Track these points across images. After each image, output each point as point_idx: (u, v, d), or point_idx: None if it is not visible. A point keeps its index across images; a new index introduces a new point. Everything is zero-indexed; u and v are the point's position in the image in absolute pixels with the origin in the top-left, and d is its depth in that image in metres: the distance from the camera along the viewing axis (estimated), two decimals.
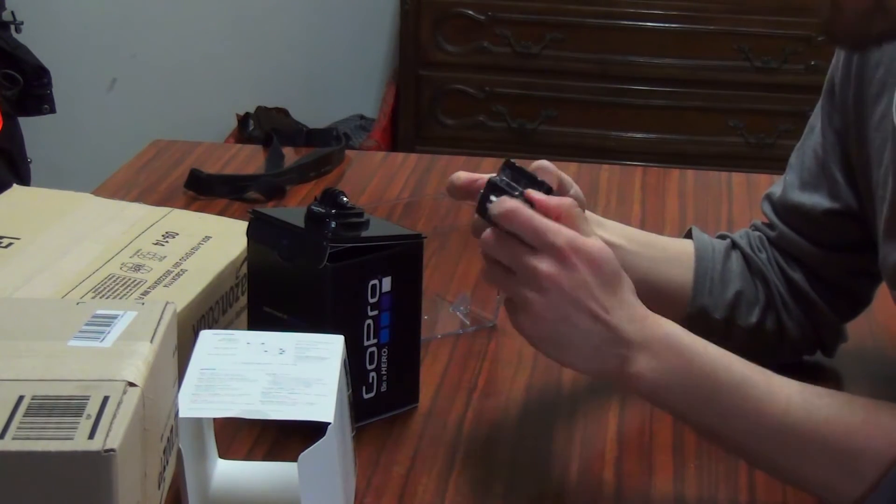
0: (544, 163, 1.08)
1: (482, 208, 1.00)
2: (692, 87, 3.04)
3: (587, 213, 1.15)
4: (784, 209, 1.24)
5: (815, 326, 1.24)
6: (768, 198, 1.26)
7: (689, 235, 1.27)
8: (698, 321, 1.20)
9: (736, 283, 1.22)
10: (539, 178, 1.02)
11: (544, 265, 0.96)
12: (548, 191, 1.01)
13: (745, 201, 1.68)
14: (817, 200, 1.20)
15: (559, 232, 0.97)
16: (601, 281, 0.97)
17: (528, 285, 0.96)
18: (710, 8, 2.99)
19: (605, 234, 1.15)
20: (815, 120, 1.23)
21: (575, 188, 1.13)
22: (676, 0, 2.99)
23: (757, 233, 1.27)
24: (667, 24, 3.01)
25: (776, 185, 1.26)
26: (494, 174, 1.02)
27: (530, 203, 0.99)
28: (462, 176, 1.08)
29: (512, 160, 1.03)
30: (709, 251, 1.23)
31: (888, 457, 0.93)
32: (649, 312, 0.99)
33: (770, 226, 1.25)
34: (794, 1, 2.96)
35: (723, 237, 1.27)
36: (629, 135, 3.09)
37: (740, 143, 3.05)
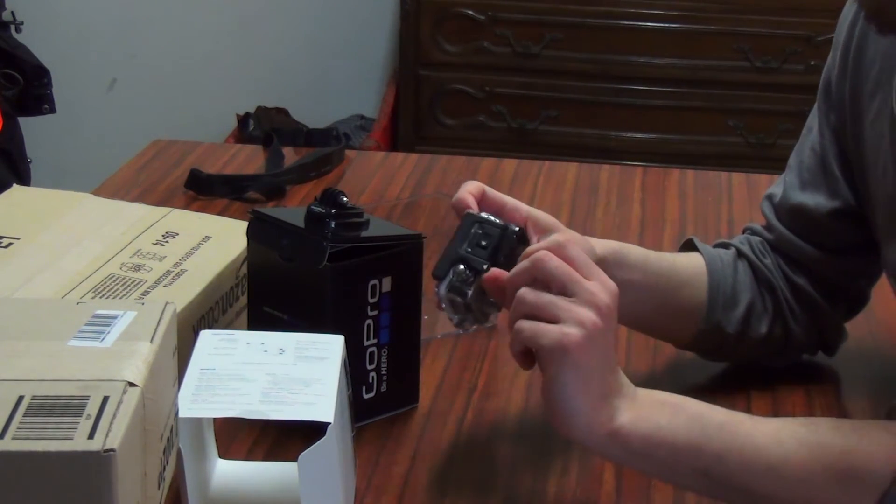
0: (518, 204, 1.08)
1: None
2: (692, 87, 3.04)
3: (608, 251, 1.12)
4: (785, 211, 1.23)
5: (819, 329, 1.24)
6: (769, 199, 1.26)
7: (686, 244, 1.26)
8: (711, 336, 1.20)
9: (746, 295, 1.21)
10: (504, 223, 1.02)
11: (597, 298, 0.95)
12: (522, 234, 1.01)
13: (745, 201, 1.68)
14: (819, 201, 1.20)
15: (591, 283, 0.96)
16: (611, 333, 0.97)
17: (582, 302, 0.94)
18: (710, 8, 2.99)
19: (626, 273, 1.13)
20: (812, 120, 1.23)
21: (562, 231, 1.09)
22: (676, 0, 2.99)
23: (757, 238, 1.26)
24: (667, 24, 3.01)
25: (775, 185, 1.26)
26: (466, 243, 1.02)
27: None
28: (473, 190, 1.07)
29: (471, 213, 1.03)
30: (718, 265, 1.22)
31: (889, 472, 0.93)
32: None
33: (768, 228, 1.25)
34: (794, 1, 2.96)
35: (724, 245, 1.26)
36: (629, 135, 3.09)
37: (740, 143, 3.05)
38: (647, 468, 0.99)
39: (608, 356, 0.96)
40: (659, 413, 0.96)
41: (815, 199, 1.20)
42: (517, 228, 1.03)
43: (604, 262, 1.10)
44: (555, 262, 0.95)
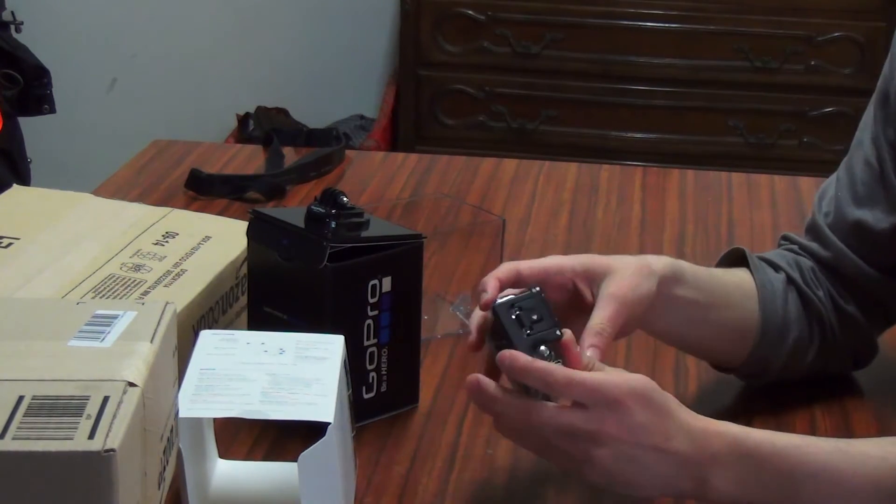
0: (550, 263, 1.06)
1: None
2: (692, 87, 3.04)
3: (666, 270, 1.10)
4: (842, 228, 1.20)
5: (857, 354, 1.22)
6: (823, 216, 1.21)
7: (731, 256, 1.22)
8: (756, 366, 1.18)
9: (794, 329, 1.18)
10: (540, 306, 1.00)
11: (605, 424, 0.94)
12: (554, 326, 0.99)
13: (745, 201, 1.68)
14: (879, 216, 1.17)
15: (611, 383, 0.95)
16: (654, 413, 0.95)
17: (588, 443, 0.95)
18: (710, 8, 2.99)
19: (685, 291, 1.11)
20: (863, 133, 1.21)
21: (614, 273, 1.07)
22: (676, 0, 2.99)
23: (807, 261, 1.21)
24: (667, 24, 3.01)
25: (823, 201, 1.22)
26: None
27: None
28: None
29: (497, 303, 1.00)
30: (770, 295, 1.17)
31: None
32: (704, 421, 0.98)
33: (824, 245, 1.21)
34: (794, 1, 2.96)
35: (772, 265, 1.20)
36: (629, 135, 3.09)
37: (740, 143, 3.05)
38: None
39: (640, 455, 0.95)
40: (747, 474, 0.96)
41: (874, 215, 1.18)
42: (538, 288, 1.01)
43: (662, 281, 1.09)
44: (554, 423, 0.95)
